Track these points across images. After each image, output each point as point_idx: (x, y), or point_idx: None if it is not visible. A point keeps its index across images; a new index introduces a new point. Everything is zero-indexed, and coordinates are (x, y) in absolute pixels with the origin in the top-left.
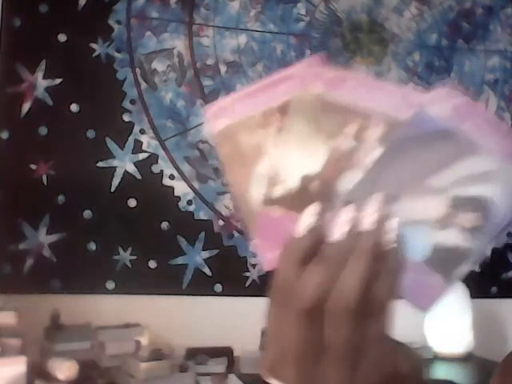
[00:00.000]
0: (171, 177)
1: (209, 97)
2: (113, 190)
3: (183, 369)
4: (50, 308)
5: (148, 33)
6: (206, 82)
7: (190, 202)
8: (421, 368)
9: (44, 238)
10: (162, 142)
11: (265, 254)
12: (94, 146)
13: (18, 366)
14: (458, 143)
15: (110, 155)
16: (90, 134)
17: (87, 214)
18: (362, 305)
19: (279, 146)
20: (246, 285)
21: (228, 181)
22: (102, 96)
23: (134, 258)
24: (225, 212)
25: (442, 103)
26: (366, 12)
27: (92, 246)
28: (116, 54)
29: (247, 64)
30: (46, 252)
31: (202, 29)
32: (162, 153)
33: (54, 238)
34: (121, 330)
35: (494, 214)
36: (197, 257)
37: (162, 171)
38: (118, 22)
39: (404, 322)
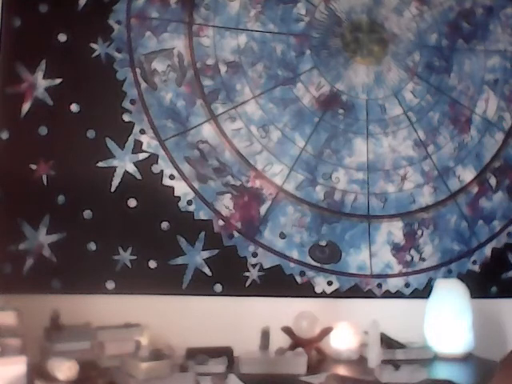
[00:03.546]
0: (171, 177)
1: (209, 97)
2: (113, 190)
3: (183, 369)
4: (50, 308)
5: (148, 33)
6: (206, 82)
7: (189, 202)
8: None
9: (44, 237)
10: (161, 142)
11: None
12: (94, 146)
13: (18, 366)
14: None
15: (109, 155)
16: (90, 134)
17: (87, 214)
18: None
19: None
20: (246, 285)
21: None
22: (102, 96)
23: (134, 258)
24: (225, 212)
25: None
26: (366, 12)
27: (92, 246)
28: (116, 54)
29: (247, 64)
30: (46, 252)
31: (201, 29)
32: (162, 153)
33: (54, 237)
34: (121, 330)
35: None
36: (197, 257)
37: (162, 171)
38: (118, 22)
39: (404, 322)
